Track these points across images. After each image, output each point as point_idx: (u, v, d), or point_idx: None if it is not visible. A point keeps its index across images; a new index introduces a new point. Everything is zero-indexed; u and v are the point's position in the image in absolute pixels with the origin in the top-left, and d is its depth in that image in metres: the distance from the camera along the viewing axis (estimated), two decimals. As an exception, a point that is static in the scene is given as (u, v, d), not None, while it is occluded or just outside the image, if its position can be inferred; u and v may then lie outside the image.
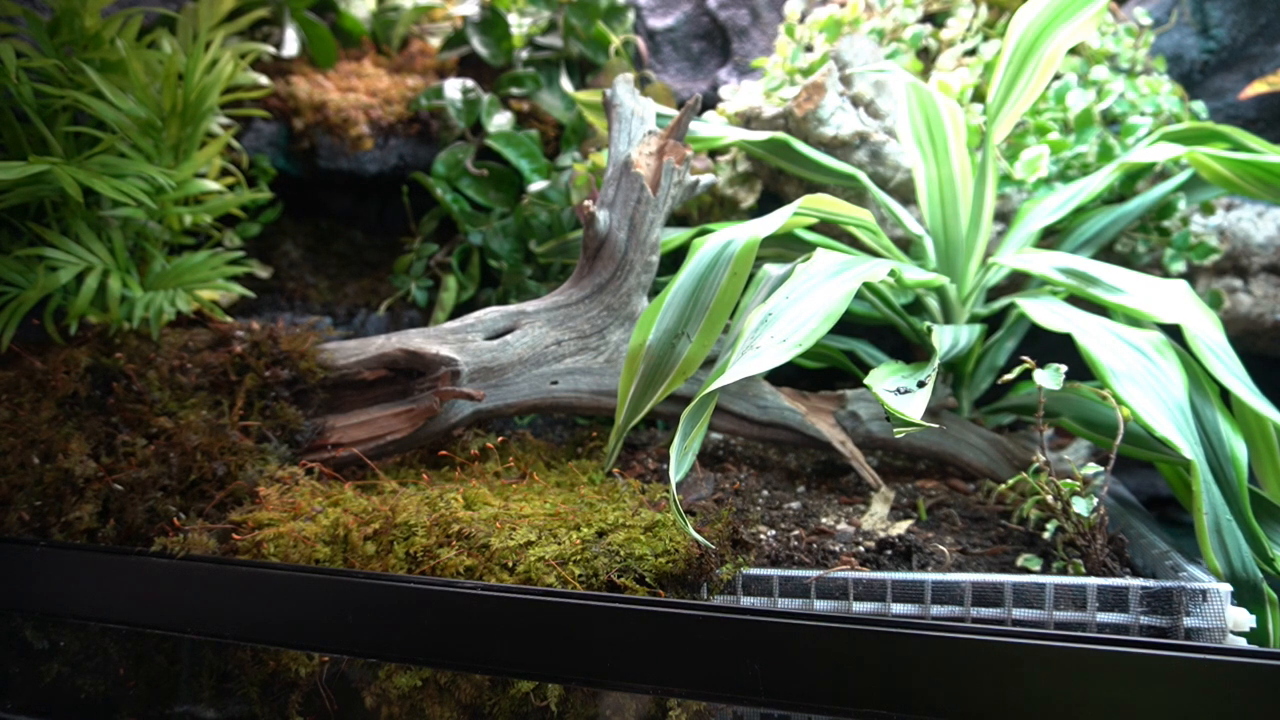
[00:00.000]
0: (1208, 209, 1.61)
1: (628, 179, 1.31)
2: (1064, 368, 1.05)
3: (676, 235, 1.51)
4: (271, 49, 1.85)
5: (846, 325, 1.48)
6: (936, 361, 1.01)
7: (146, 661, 1.11)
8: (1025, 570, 1.06)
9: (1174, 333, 1.15)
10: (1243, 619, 0.90)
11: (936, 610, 0.95)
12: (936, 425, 1.03)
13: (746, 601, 0.97)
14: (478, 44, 1.94)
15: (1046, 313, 1.19)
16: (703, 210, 1.72)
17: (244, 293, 1.47)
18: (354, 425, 1.24)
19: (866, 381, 0.99)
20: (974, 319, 1.45)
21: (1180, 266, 1.56)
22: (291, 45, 1.88)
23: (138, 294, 1.28)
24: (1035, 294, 1.36)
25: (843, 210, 1.26)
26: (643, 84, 1.92)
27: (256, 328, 1.29)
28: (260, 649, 1.01)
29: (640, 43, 1.99)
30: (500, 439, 1.32)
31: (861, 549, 1.10)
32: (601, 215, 1.29)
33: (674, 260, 1.52)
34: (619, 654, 0.85)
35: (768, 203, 1.63)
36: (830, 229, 1.55)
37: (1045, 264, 1.26)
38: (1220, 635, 0.90)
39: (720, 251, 1.11)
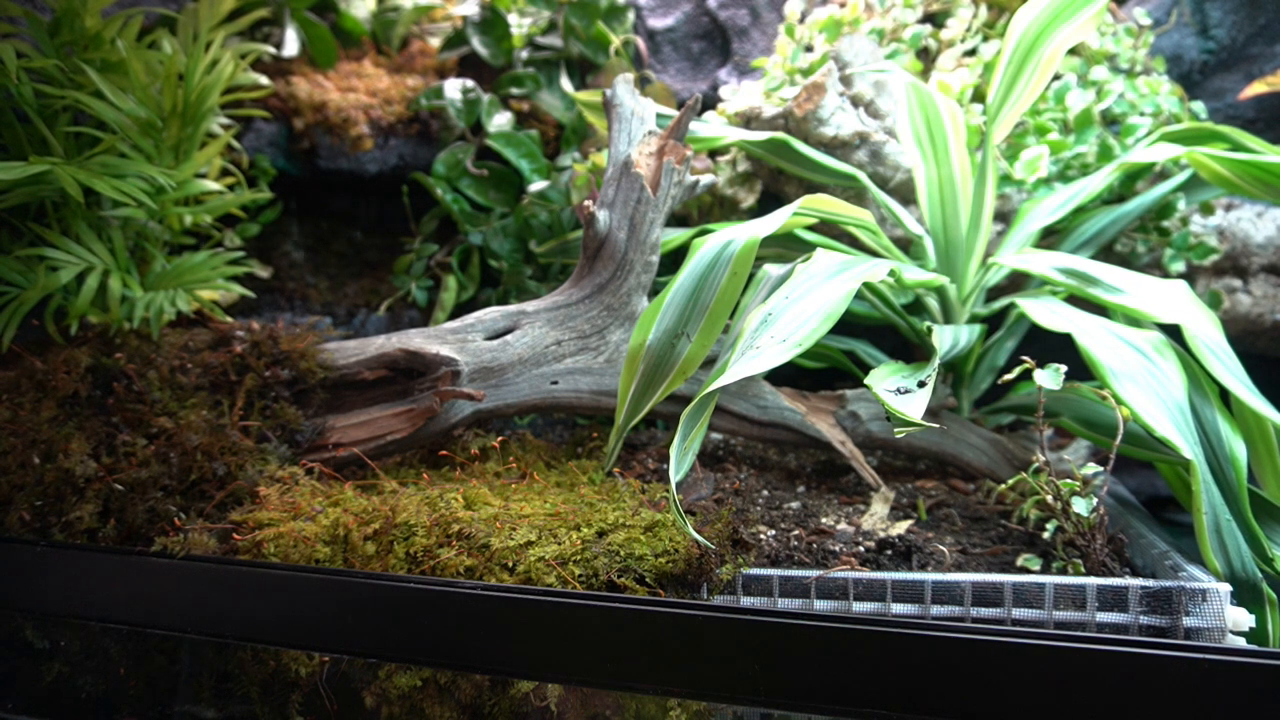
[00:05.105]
0: (1207, 209, 1.61)
1: (628, 179, 1.31)
2: (1064, 368, 1.05)
3: (676, 235, 1.51)
4: (272, 49, 1.85)
5: (846, 325, 1.48)
6: (936, 361, 1.01)
7: (146, 661, 1.11)
8: (1025, 570, 1.06)
9: (1174, 333, 1.15)
10: (1242, 619, 0.90)
11: (936, 610, 0.95)
12: (936, 425, 1.03)
13: (746, 601, 0.97)
14: (478, 44, 1.94)
15: (1046, 313, 1.19)
16: (703, 210, 1.72)
17: (244, 293, 1.47)
18: (354, 425, 1.24)
19: (866, 381, 0.99)
20: (974, 319, 1.45)
21: (1180, 266, 1.56)
22: (292, 45, 1.88)
23: (138, 294, 1.28)
24: (1035, 294, 1.36)
25: (843, 210, 1.26)
26: (643, 84, 1.92)
27: (256, 328, 1.29)
28: (260, 649, 1.01)
29: (640, 43, 1.99)
30: (500, 439, 1.32)
31: (861, 549, 1.10)
32: (601, 215, 1.29)
33: (674, 260, 1.52)
34: (619, 654, 0.85)
35: (768, 203, 1.63)
36: (830, 229, 1.55)
37: (1045, 264, 1.26)
38: (1220, 635, 0.90)
39: (720, 251, 1.11)
